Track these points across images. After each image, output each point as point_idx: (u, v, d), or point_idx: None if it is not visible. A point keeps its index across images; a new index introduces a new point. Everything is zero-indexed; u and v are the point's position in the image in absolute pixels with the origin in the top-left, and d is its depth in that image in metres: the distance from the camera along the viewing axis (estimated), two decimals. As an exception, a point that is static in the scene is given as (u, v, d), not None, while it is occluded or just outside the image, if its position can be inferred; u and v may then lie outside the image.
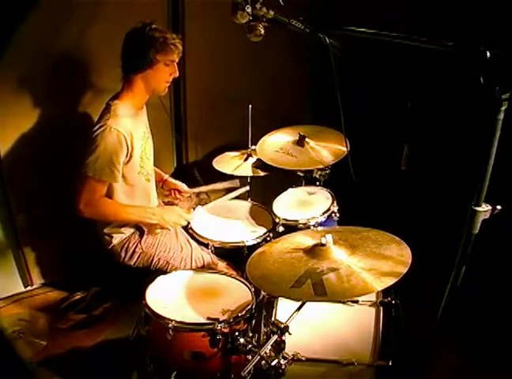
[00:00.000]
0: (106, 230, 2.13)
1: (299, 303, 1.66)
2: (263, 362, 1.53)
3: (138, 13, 2.28)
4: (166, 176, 2.46)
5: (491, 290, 2.36)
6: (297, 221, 2.22)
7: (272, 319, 1.72)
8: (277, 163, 2.41)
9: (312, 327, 1.75)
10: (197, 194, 2.49)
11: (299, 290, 1.42)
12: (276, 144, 2.54)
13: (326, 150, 2.43)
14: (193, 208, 2.20)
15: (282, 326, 1.54)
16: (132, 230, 2.15)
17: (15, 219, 2.46)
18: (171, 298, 1.77)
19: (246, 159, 2.59)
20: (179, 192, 2.46)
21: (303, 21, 1.43)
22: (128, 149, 1.99)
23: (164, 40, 1.96)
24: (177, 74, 2.07)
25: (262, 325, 1.80)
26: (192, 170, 3.03)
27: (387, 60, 2.54)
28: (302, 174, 2.57)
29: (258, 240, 2.16)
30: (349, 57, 1.55)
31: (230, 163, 2.60)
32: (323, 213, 2.25)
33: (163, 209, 2.18)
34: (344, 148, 2.26)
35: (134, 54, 1.98)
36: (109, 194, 2.05)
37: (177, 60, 2.04)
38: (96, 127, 1.95)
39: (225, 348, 1.61)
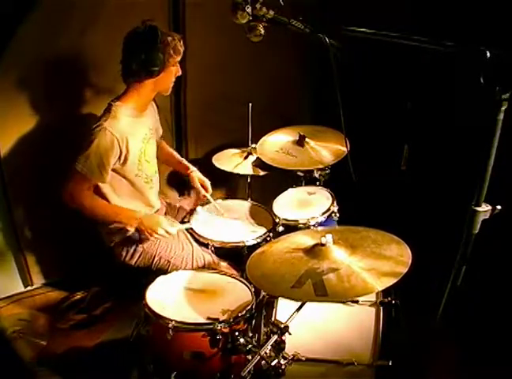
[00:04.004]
0: (107, 229, 2.13)
1: (299, 303, 1.66)
2: (263, 362, 1.53)
3: (139, 13, 2.27)
4: (192, 168, 2.39)
5: (491, 290, 2.35)
6: (297, 221, 2.22)
7: (272, 319, 1.72)
8: (277, 163, 2.41)
9: (312, 327, 1.75)
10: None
11: (300, 290, 1.43)
12: (276, 144, 2.54)
13: (326, 150, 2.44)
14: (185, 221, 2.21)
15: (282, 326, 1.55)
16: (133, 229, 2.15)
17: (15, 219, 2.46)
18: (171, 298, 1.77)
19: (246, 158, 2.60)
20: (205, 189, 2.36)
21: (303, 21, 1.43)
22: (121, 152, 1.99)
23: (175, 43, 1.97)
24: (180, 72, 2.08)
25: (262, 325, 1.80)
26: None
27: (387, 60, 2.54)
28: (302, 174, 2.57)
29: (258, 240, 2.15)
30: (349, 57, 1.55)
31: (230, 160, 2.60)
32: (323, 213, 2.25)
33: (146, 215, 2.10)
34: (344, 148, 2.27)
35: (149, 61, 1.93)
36: (105, 194, 2.07)
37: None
38: (94, 126, 1.97)
39: (225, 348, 1.61)
